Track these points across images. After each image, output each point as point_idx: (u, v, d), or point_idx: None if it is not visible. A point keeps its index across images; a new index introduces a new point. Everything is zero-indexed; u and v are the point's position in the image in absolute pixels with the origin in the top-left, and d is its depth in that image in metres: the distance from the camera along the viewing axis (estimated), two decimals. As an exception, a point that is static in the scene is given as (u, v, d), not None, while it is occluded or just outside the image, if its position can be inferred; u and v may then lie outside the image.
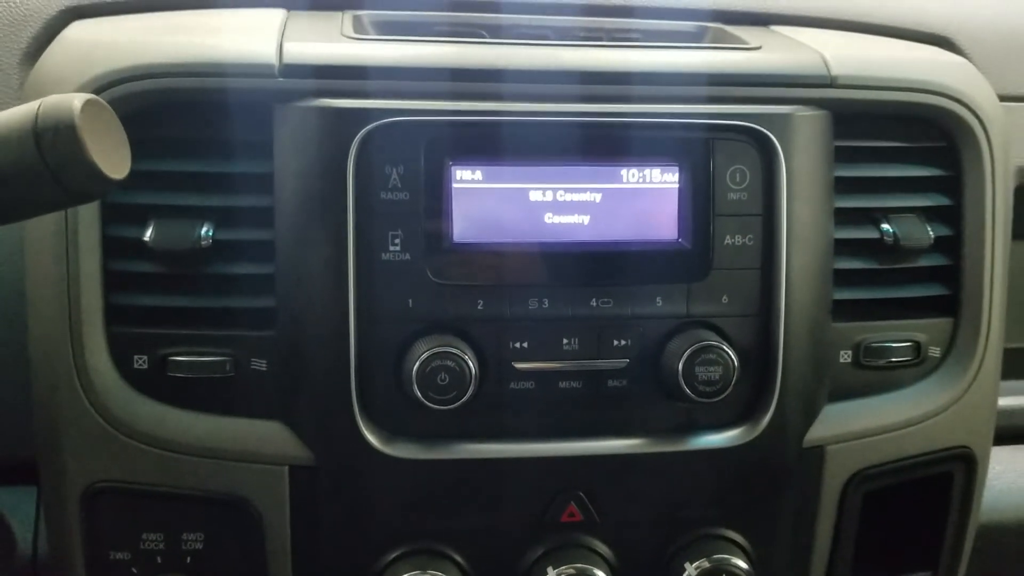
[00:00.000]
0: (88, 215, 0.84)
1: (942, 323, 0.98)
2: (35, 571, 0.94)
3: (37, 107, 0.63)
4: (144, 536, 0.88)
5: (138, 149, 0.81)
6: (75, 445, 0.86)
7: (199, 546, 0.88)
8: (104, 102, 0.65)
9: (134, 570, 0.88)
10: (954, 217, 0.98)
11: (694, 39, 1.05)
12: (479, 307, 0.86)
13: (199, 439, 0.86)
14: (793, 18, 1.10)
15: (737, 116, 0.87)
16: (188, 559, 0.88)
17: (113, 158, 0.65)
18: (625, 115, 0.87)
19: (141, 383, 0.86)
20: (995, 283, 0.97)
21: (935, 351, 0.98)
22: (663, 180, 0.88)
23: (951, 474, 1.00)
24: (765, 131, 0.87)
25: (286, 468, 0.87)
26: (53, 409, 0.86)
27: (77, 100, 0.63)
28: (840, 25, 1.11)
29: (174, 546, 0.88)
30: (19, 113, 0.63)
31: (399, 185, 0.84)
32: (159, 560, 0.88)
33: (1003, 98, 1.02)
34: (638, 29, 1.07)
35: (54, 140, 0.62)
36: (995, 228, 0.97)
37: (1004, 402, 1.07)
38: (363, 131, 0.82)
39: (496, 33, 0.99)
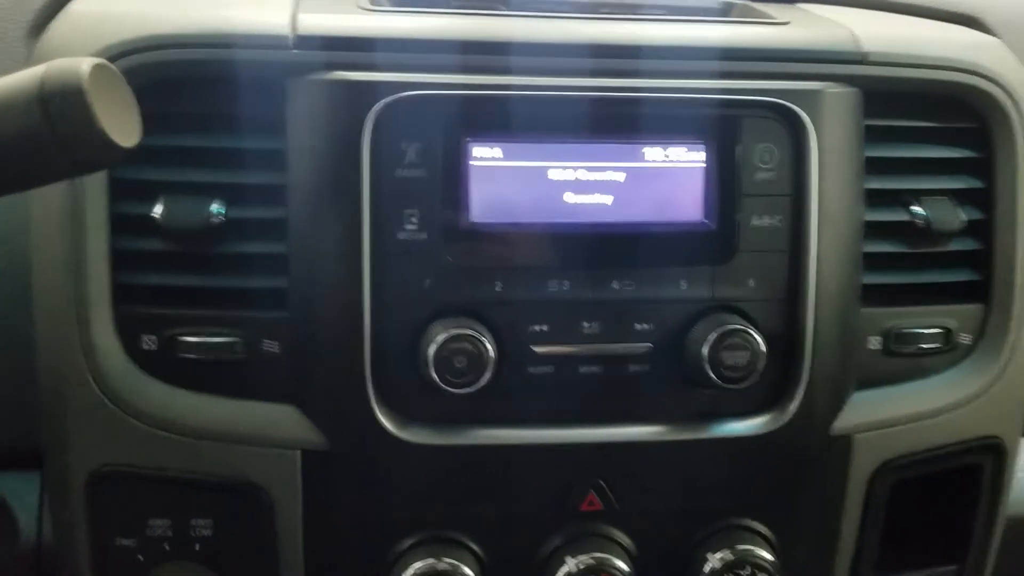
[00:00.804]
0: (96, 191, 0.82)
1: (973, 309, 0.96)
2: (39, 558, 0.92)
3: (43, 71, 0.60)
4: (151, 522, 0.85)
5: (147, 123, 0.79)
6: (81, 428, 0.83)
7: (208, 533, 0.86)
8: (113, 67, 0.63)
9: (140, 557, 0.86)
10: (986, 200, 0.95)
11: (720, 14, 1.02)
12: (497, 289, 0.84)
13: (209, 422, 0.83)
14: (820, -5, 1.08)
15: (765, 92, 0.85)
16: (196, 546, 0.86)
17: (122, 125, 0.63)
18: (649, 90, 0.84)
19: (150, 364, 0.84)
20: None
21: (965, 338, 0.95)
22: (688, 159, 0.86)
23: (980, 465, 0.98)
24: (795, 107, 0.85)
25: (299, 453, 0.84)
26: (58, 391, 0.83)
27: (85, 64, 0.61)
28: (868, 4, 1.08)
29: (182, 532, 0.86)
30: (24, 77, 0.61)
31: (416, 162, 0.81)
32: (166, 547, 0.86)
33: (1035, 79, 0.99)
34: (663, 4, 1.04)
35: (61, 106, 0.60)
36: None
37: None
38: (378, 105, 0.80)
39: (516, 6, 0.96)
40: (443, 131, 0.82)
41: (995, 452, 0.97)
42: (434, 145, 0.82)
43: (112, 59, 0.79)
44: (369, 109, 0.80)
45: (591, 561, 0.86)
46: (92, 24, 0.83)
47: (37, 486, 0.93)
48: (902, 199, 0.93)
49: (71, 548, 0.86)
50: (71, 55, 0.78)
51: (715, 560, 0.88)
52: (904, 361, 0.94)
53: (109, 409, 0.82)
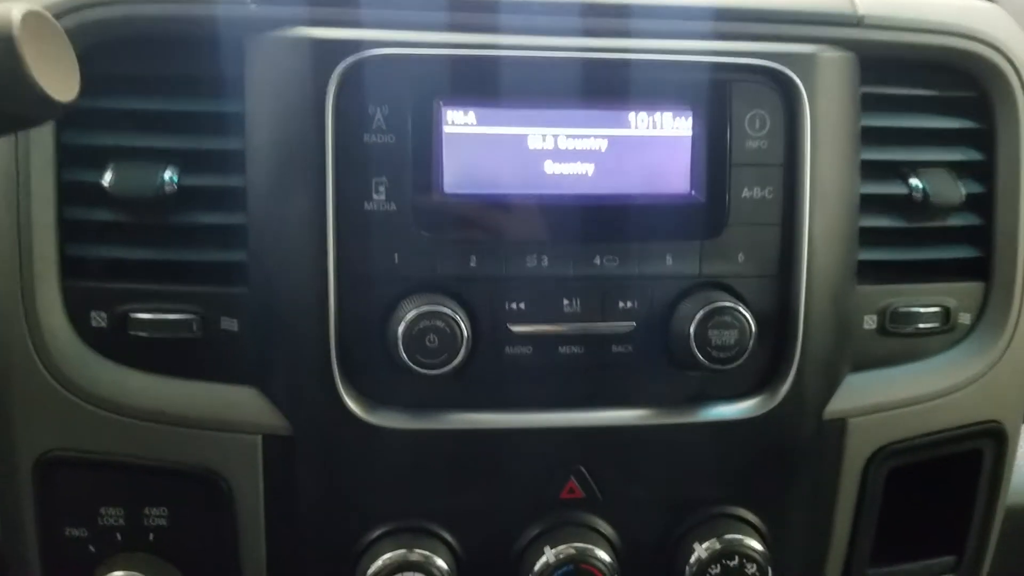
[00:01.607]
0: (42, 157, 0.77)
1: (973, 287, 0.92)
2: (-14, 549, 0.87)
3: (-30, 18, 0.55)
4: (102, 511, 0.81)
5: (97, 85, 0.76)
6: (26, 410, 0.79)
7: (163, 522, 0.81)
8: (48, 14, 0.58)
9: (91, 548, 0.81)
10: (987, 173, 0.91)
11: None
12: (472, 264, 0.79)
13: (163, 405, 0.79)
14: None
15: (756, 55, 0.80)
16: (150, 536, 0.82)
17: (59, 78, 0.58)
18: (634, 51, 0.80)
19: (100, 343, 0.79)
20: None
21: (965, 318, 0.92)
22: (675, 126, 0.81)
23: (980, 451, 0.94)
24: (787, 72, 0.80)
25: (259, 437, 0.80)
26: (3, 371, 0.78)
27: (16, 10, 0.56)
28: (864, -31, 1.04)
29: (135, 522, 0.81)
30: (-52, 24, 0.56)
31: (384, 127, 0.77)
32: (119, 537, 0.81)
33: (1037, 50, 0.95)
34: None
35: (-11, 56, 0.55)
36: None
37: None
38: (344, 64, 0.75)
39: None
40: (414, 94, 0.77)
41: (995, 437, 0.94)
42: (404, 109, 0.77)
43: (59, 16, 0.75)
44: (333, 69, 0.75)
45: (571, 551, 0.82)
46: (38, -21, 0.78)
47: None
48: (899, 171, 0.89)
49: (18, 539, 0.82)
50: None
51: (702, 550, 0.83)
52: (901, 341, 0.90)
53: (56, 391, 0.78)
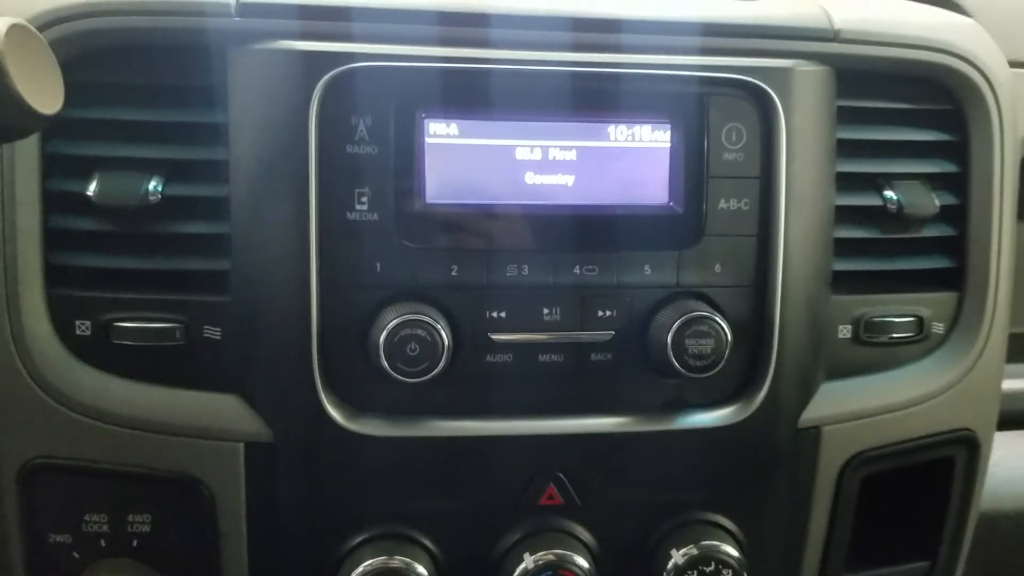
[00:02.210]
0: (27, 167, 0.78)
1: (946, 297, 0.93)
2: (-30, 555, 0.87)
3: (-47, 31, 0.56)
4: (86, 518, 0.81)
5: (81, 96, 0.76)
6: (10, 418, 0.79)
7: (146, 528, 0.82)
8: (32, 28, 0.59)
9: (75, 553, 0.82)
10: (961, 185, 0.93)
11: (689, -10, 0.98)
12: (453, 273, 0.80)
13: (146, 413, 0.79)
14: (792, -25, 1.04)
15: (733, 69, 0.82)
16: (134, 542, 0.82)
17: (43, 90, 0.59)
18: (613, 65, 0.81)
19: (83, 351, 0.80)
20: (1002, 256, 0.92)
21: (939, 327, 0.93)
22: (653, 138, 0.82)
23: (952, 458, 0.95)
24: (763, 85, 0.81)
25: (241, 445, 0.80)
26: None
27: (1, 23, 0.56)
28: (841, -17, 1.05)
29: (119, 528, 0.82)
30: (-68, 38, 0.56)
31: (366, 138, 0.78)
32: (102, 543, 0.82)
33: (1012, 64, 0.96)
34: None
35: (-28, 69, 0.55)
36: (1003, 197, 0.92)
37: (1005, 385, 1.01)
38: (327, 77, 0.76)
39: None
40: (396, 106, 0.78)
41: (968, 445, 0.95)
42: (386, 120, 0.78)
43: (45, 27, 0.75)
44: (317, 81, 0.76)
45: (550, 557, 0.83)
46: (23, -10, 0.79)
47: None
48: (874, 183, 0.90)
49: (2, 543, 0.82)
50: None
51: (679, 556, 0.84)
52: (875, 350, 0.91)
53: (40, 398, 0.78)
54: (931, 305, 0.92)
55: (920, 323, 0.92)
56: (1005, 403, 1.01)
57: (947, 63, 0.89)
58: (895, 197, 0.89)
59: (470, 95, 0.80)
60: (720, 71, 0.81)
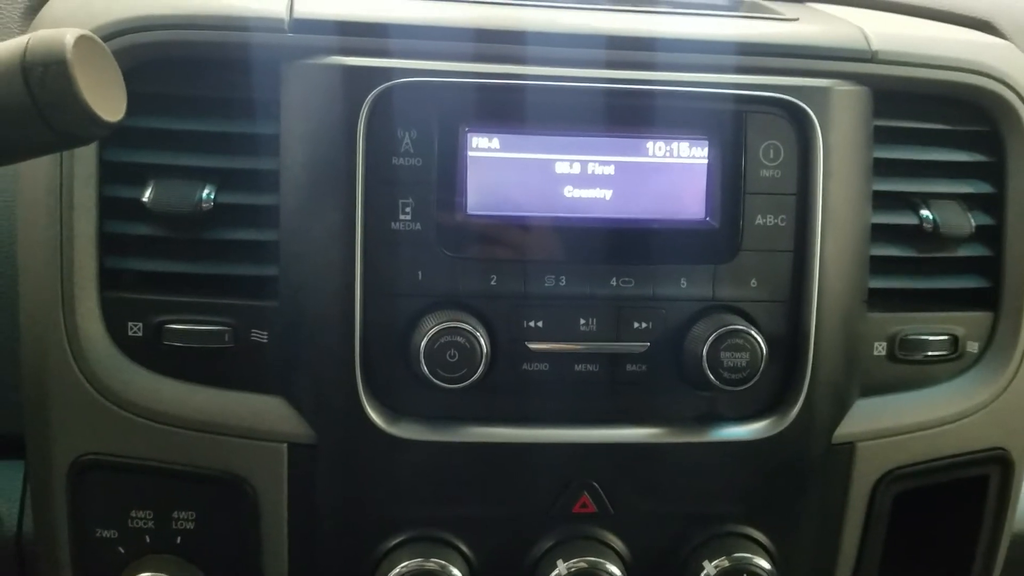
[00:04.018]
0: (84, 173, 0.80)
1: (981, 317, 0.93)
2: (19, 550, 0.90)
3: (26, 41, 0.59)
4: (132, 514, 0.83)
5: (139, 105, 0.78)
6: (63, 415, 0.81)
7: (190, 526, 0.84)
8: (98, 38, 0.61)
9: (120, 549, 0.84)
10: (996, 205, 0.93)
11: (729, 9, 1.00)
12: (492, 282, 0.82)
13: (194, 412, 0.81)
14: (830, -4, 1.06)
15: (772, 88, 0.83)
16: (178, 539, 0.84)
17: (107, 99, 0.61)
18: (652, 83, 0.82)
19: (135, 352, 0.82)
20: None
21: (973, 346, 0.93)
22: (691, 154, 0.84)
23: (987, 477, 0.95)
24: (802, 104, 0.83)
25: (285, 446, 0.82)
26: (42, 376, 0.81)
27: (70, 35, 0.59)
28: (878, 6, 1.06)
29: (164, 525, 0.84)
30: (7, 48, 0.59)
31: (412, 150, 0.80)
32: (147, 539, 0.84)
33: (1047, 85, 0.96)
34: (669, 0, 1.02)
35: (43, 76, 0.58)
36: None
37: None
38: (375, 91, 0.78)
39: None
40: (440, 120, 0.80)
41: (1002, 464, 0.95)
42: (431, 134, 0.80)
43: (106, 39, 0.78)
44: (365, 95, 0.78)
45: (583, 565, 0.84)
46: (86, 3, 0.82)
47: (20, 475, 0.91)
48: (911, 202, 0.91)
49: (51, 539, 0.84)
50: (65, 35, 0.78)
51: (711, 567, 0.85)
52: (910, 368, 0.91)
53: (92, 396, 0.81)
54: (966, 324, 0.93)
55: (955, 342, 0.92)
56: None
57: (983, 84, 0.90)
58: (931, 216, 0.90)
59: (511, 110, 0.82)
60: (758, 90, 0.83)
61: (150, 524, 0.84)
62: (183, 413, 0.81)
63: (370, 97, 0.78)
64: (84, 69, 0.59)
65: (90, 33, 0.61)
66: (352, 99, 0.78)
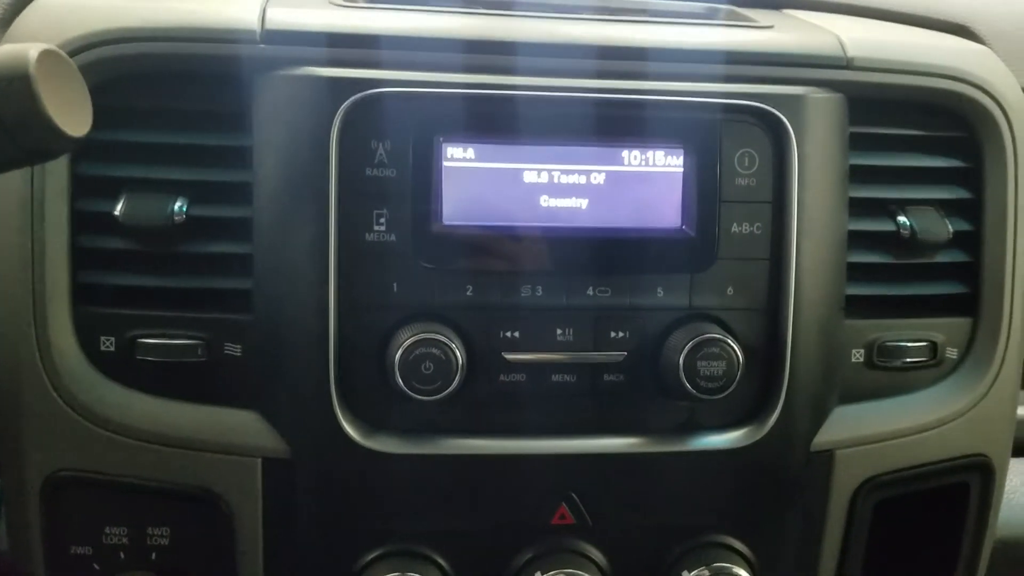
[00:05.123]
0: (56, 187, 0.80)
1: (960, 323, 0.93)
2: (-6, 565, 0.89)
3: (-12, 57, 0.58)
4: (107, 530, 0.83)
5: (111, 118, 0.78)
6: (36, 431, 0.81)
7: (165, 542, 0.83)
8: (63, 53, 0.61)
9: (96, 565, 0.83)
10: (974, 211, 0.93)
11: (704, 18, 1.00)
12: (468, 293, 0.81)
13: (168, 428, 0.81)
14: (807, 3, 1.06)
15: (747, 96, 0.83)
16: (153, 555, 0.83)
17: (73, 114, 0.61)
18: (627, 92, 0.82)
19: (108, 367, 0.81)
20: (1016, 282, 0.92)
21: (952, 352, 0.93)
22: (667, 163, 0.84)
23: (967, 484, 0.95)
24: (776, 112, 0.82)
25: (259, 460, 0.82)
26: (14, 392, 0.81)
27: (33, 50, 0.59)
28: (855, 11, 1.06)
29: (138, 541, 0.83)
30: (-30, 63, 0.59)
31: (386, 161, 0.79)
32: (122, 556, 0.83)
33: (1025, 89, 0.97)
34: (643, 7, 1.02)
35: (7, 92, 0.58)
36: (1017, 224, 0.92)
37: (1021, 411, 1.01)
38: (348, 102, 0.78)
39: (491, 5, 0.94)
40: (415, 130, 0.80)
41: (982, 471, 0.95)
42: (405, 144, 0.80)
43: (76, 52, 0.78)
44: (338, 106, 0.78)
45: (562, 576, 0.83)
46: (58, 16, 0.81)
47: (-4, 491, 0.91)
48: (888, 209, 0.91)
49: (26, 555, 0.84)
50: (34, 48, 0.78)
51: (690, 578, 0.85)
52: (888, 375, 0.91)
53: (65, 412, 0.80)
54: (945, 330, 0.93)
55: (934, 348, 0.92)
56: (1021, 429, 1.01)
57: (960, 90, 0.90)
58: (908, 223, 0.90)
59: (486, 121, 0.81)
60: (733, 98, 0.83)
61: (124, 540, 0.83)
62: (156, 429, 0.81)
63: (343, 108, 0.78)
64: (48, 84, 0.59)
65: (54, 47, 0.61)
66: (325, 110, 0.78)
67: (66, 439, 0.81)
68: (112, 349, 0.81)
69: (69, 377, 0.80)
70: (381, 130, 0.79)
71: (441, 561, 0.84)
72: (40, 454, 0.81)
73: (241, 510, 0.82)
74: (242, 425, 0.82)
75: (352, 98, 0.78)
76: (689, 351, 0.80)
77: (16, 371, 0.80)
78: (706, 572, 0.85)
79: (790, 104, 0.83)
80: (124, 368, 0.81)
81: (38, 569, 0.84)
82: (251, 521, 0.82)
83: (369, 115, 0.79)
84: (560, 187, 0.83)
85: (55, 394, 0.80)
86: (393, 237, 0.80)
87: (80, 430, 0.80)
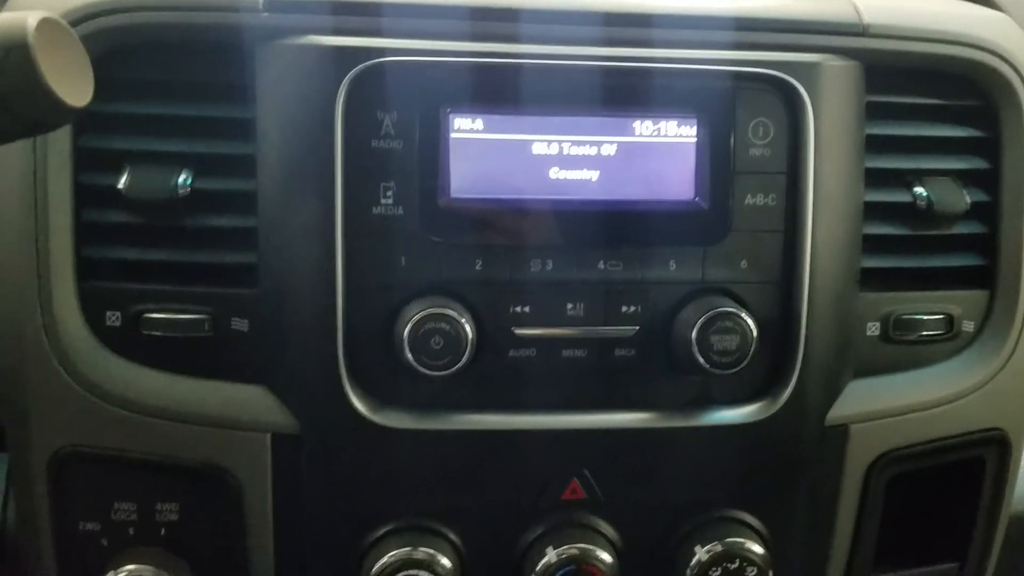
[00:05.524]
0: (58, 161, 0.79)
1: (977, 295, 0.92)
2: (2, 541, 0.88)
3: (-13, 25, 0.57)
4: (115, 506, 0.82)
5: (114, 91, 0.77)
6: (42, 406, 0.80)
7: (174, 517, 0.83)
8: (62, 21, 0.59)
9: (104, 541, 0.83)
10: (992, 182, 0.91)
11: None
12: (477, 268, 0.80)
13: (175, 403, 0.80)
14: (822, -30, 1.03)
15: (761, 64, 0.81)
16: (162, 531, 0.83)
17: (73, 84, 0.60)
18: (639, 60, 0.80)
19: (114, 341, 0.81)
20: None
21: (969, 325, 0.91)
22: (679, 133, 0.82)
23: (983, 459, 0.94)
24: (792, 80, 0.81)
25: (268, 436, 0.81)
26: (19, 368, 0.80)
27: (31, 18, 0.57)
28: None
29: (147, 517, 0.83)
30: (-35, 33, 0.57)
31: (392, 133, 0.78)
32: (131, 531, 0.83)
33: (1044, 58, 0.95)
34: None
35: (5, 62, 0.56)
36: None
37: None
38: (353, 72, 0.76)
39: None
40: (421, 101, 0.78)
41: (998, 445, 0.93)
42: (412, 116, 0.78)
43: (76, 22, 0.76)
44: (343, 76, 0.76)
45: (574, 552, 0.83)
46: (58, -14, 0.80)
47: (3, 467, 0.90)
48: (904, 179, 0.89)
49: (34, 531, 0.83)
50: (34, 19, 0.76)
51: (703, 553, 0.84)
52: (904, 349, 0.90)
53: (71, 388, 0.79)
54: (961, 303, 0.91)
55: (950, 321, 0.91)
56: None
57: (978, 58, 0.88)
58: (925, 193, 0.88)
59: (495, 90, 0.80)
60: (748, 65, 0.81)
61: (133, 516, 0.83)
62: (164, 404, 0.80)
63: (348, 78, 0.76)
64: (47, 53, 0.57)
65: (54, 15, 0.59)
66: (329, 80, 0.76)
67: (72, 415, 0.80)
68: (118, 324, 0.80)
69: (75, 352, 0.79)
70: (387, 101, 0.78)
71: (452, 536, 0.84)
72: (47, 430, 0.81)
73: (250, 486, 0.81)
74: (250, 400, 0.81)
75: (357, 68, 0.76)
76: (702, 325, 0.79)
77: (21, 347, 0.79)
78: (719, 547, 0.84)
79: (805, 72, 0.81)
80: (130, 343, 0.80)
81: (46, 545, 0.83)
82: (260, 497, 0.82)
83: (375, 85, 0.77)
84: (570, 159, 0.81)
85: (61, 369, 0.79)
86: (400, 211, 0.79)
87: (87, 405, 0.80)
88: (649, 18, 0.81)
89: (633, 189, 0.82)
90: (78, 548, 0.83)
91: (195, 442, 0.81)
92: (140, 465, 0.81)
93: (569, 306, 0.82)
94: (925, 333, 0.90)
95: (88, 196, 0.80)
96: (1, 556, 0.89)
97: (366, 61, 0.76)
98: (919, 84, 0.90)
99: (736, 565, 0.84)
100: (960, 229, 0.91)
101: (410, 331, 0.77)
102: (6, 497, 0.90)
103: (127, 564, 0.82)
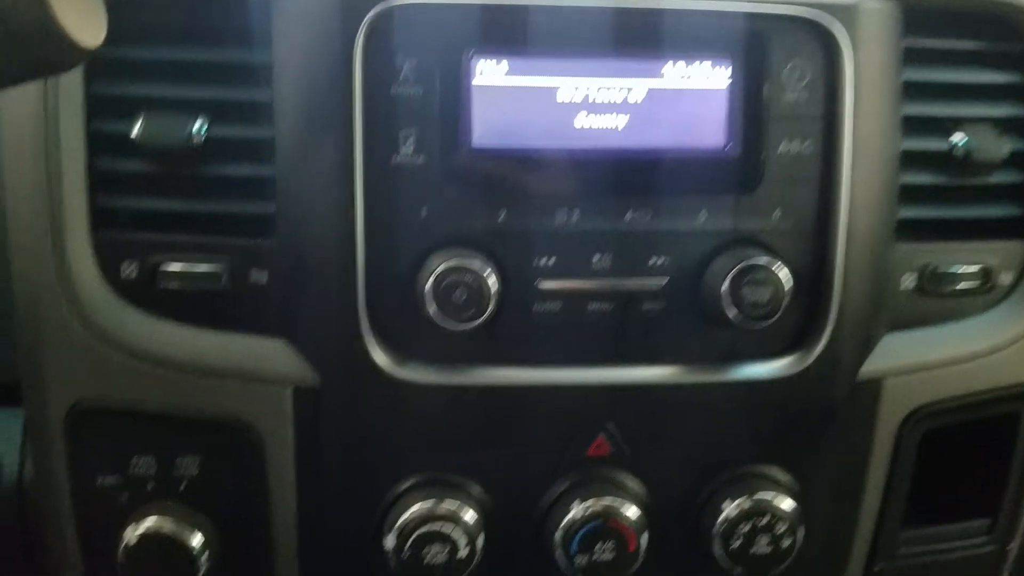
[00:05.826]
0: (70, 107, 0.77)
1: (1014, 246, 0.89)
2: (20, 497, 0.88)
3: (-7, -38, 0.55)
4: (134, 460, 0.81)
5: (127, 35, 0.75)
6: (58, 360, 0.79)
7: (194, 471, 0.82)
8: (72, -42, 0.56)
9: (123, 496, 0.82)
10: None
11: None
12: (501, 219, 0.78)
13: (194, 355, 0.79)
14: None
15: (797, 3, 0.78)
16: (182, 486, 0.82)
17: (85, 23, 0.57)
18: (670, 1, 0.77)
19: (130, 293, 0.79)
20: None
21: (1006, 277, 0.89)
22: (710, 78, 0.79)
23: (1017, 414, 0.92)
24: (828, 22, 0.78)
25: (291, 389, 0.80)
26: (35, 321, 0.79)
27: (42, -46, 0.55)
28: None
29: (166, 471, 0.81)
30: (-27, -32, 0.55)
31: (412, 78, 0.75)
32: (150, 486, 0.82)
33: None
34: None
35: (14, 1, 0.54)
36: None
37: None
38: (372, 14, 0.74)
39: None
40: (443, 45, 0.76)
41: (1034, 400, 0.91)
42: (433, 60, 0.76)
43: (87, -35, 0.74)
44: (361, 19, 0.73)
45: (599, 508, 0.81)
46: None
47: (21, 422, 0.89)
48: (942, 127, 0.86)
49: (51, 486, 0.82)
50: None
51: (732, 508, 0.82)
52: (940, 301, 0.88)
53: (87, 340, 0.78)
54: (998, 254, 0.88)
55: (987, 273, 0.88)
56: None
57: (1017, 1, 0.85)
58: (963, 142, 0.85)
59: (519, 34, 0.77)
60: (783, 6, 0.78)
61: (152, 471, 0.81)
62: (182, 356, 0.79)
63: (367, 20, 0.73)
64: (58, -10, 0.55)
65: None
66: (347, 23, 0.74)
67: (89, 367, 0.79)
68: (134, 276, 0.79)
69: (90, 304, 0.78)
70: (407, 45, 0.75)
71: (476, 491, 0.82)
72: (63, 383, 0.79)
73: (272, 440, 0.80)
74: (271, 353, 0.79)
75: (376, 9, 0.74)
76: (734, 277, 0.77)
77: (36, 299, 0.78)
78: (748, 502, 0.82)
79: (843, 14, 0.78)
80: (147, 294, 0.79)
81: (63, 500, 0.82)
82: (282, 451, 0.80)
83: (394, 28, 0.74)
84: (597, 105, 0.78)
85: (76, 321, 0.78)
86: (421, 160, 0.76)
87: (103, 358, 0.78)
88: None
89: (663, 136, 0.79)
90: (97, 503, 0.82)
91: (215, 395, 0.79)
92: (159, 418, 0.80)
93: (595, 258, 0.79)
94: (961, 286, 0.87)
95: (101, 144, 0.78)
96: (20, 511, 0.88)
97: (384, 3, 0.74)
98: (957, 28, 0.86)
99: (766, 520, 0.82)
100: (998, 178, 0.88)
101: (432, 284, 0.75)
102: (23, 452, 0.89)
103: (146, 519, 0.81)
